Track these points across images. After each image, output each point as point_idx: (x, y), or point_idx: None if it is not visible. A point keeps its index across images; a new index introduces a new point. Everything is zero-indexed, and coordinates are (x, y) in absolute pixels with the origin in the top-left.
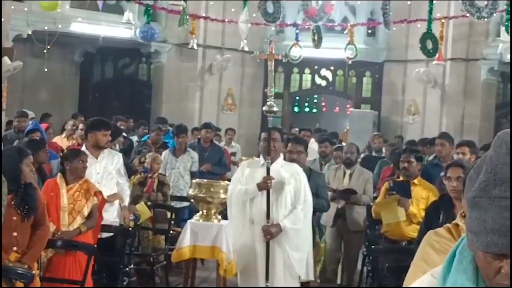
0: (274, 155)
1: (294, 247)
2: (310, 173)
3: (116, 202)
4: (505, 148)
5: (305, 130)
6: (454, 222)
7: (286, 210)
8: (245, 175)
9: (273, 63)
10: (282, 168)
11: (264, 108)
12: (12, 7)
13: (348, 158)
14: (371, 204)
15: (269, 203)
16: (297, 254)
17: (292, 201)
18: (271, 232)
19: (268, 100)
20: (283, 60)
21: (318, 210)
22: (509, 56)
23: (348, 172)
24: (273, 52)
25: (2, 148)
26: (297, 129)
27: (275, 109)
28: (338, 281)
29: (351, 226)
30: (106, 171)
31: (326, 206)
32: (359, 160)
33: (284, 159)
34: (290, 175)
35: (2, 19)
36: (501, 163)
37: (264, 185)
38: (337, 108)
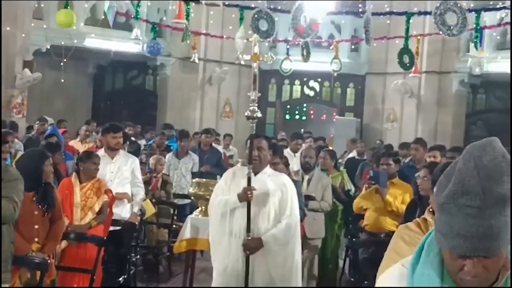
0: (261, 165)
1: (277, 264)
2: None
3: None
4: (473, 162)
5: (297, 138)
6: (422, 216)
7: (269, 224)
8: (228, 184)
9: (257, 65)
10: (269, 179)
11: (246, 113)
12: (32, 24)
13: (306, 162)
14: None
15: (249, 215)
16: (281, 272)
17: (276, 215)
18: (251, 247)
19: (251, 105)
20: (268, 62)
21: None
22: (477, 69)
23: (306, 177)
24: (258, 53)
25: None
26: (283, 133)
27: (258, 114)
28: None
29: (308, 233)
30: (119, 170)
31: (302, 216)
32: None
33: None
34: (277, 187)
35: (23, 35)
36: (469, 176)
37: (244, 196)
38: (324, 115)
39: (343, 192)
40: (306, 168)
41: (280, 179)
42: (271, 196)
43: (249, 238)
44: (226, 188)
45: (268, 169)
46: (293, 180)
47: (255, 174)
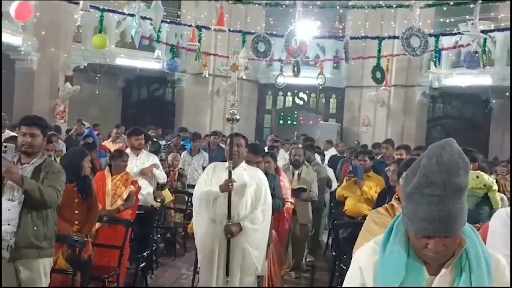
0: (238, 160)
1: (254, 245)
2: (267, 175)
3: (150, 189)
4: (435, 159)
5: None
6: (390, 203)
7: (247, 211)
8: (210, 177)
9: (236, 74)
10: (245, 172)
11: (227, 116)
12: (73, 46)
13: (296, 160)
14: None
15: (230, 204)
16: (256, 252)
17: (253, 203)
18: (231, 231)
19: (230, 108)
20: (246, 71)
21: (276, 209)
22: (436, 83)
23: (296, 172)
24: (237, 63)
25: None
26: (273, 135)
27: (237, 117)
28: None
29: (300, 219)
30: (143, 165)
31: (281, 205)
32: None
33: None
34: (252, 179)
35: (65, 55)
36: (431, 170)
37: (226, 187)
38: (311, 121)
39: None
40: (296, 164)
41: (255, 173)
42: (248, 187)
43: (230, 223)
44: (208, 181)
45: (243, 164)
46: (273, 175)
47: (233, 168)
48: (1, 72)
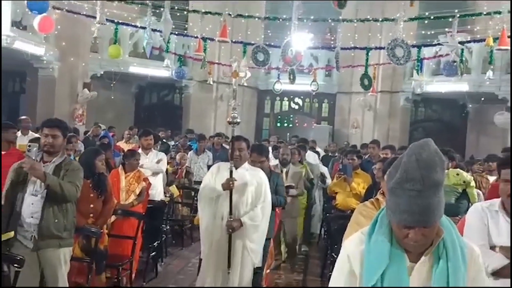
0: (241, 161)
1: (252, 240)
2: (271, 174)
3: (160, 186)
4: (414, 157)
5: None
6: (376, 197)
7: (247, 208)
8: (214, 176)
9: (236, 81)
10: (247, 172)
11: (228, 119)
12: (90, 56)
13: (284, 158)
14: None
15: (231, 201)
16: (254, 246)
17: (253, 200)
18: (232, 227)
19: (232, 112)
20: (245, 78)
21: (277, 205)
22: (419, 89)
23: (284, 170)
24: (237, 70)
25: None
26: (275, 136)
27: (238, 120)
28: (283, 258)
29: (290, 213)
30: (151, 163)
31: (283, 202)
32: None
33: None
34: (253, 178)
35: (83, 64)
36: (411, 167)
37: (227, 186)
38: (305, 124)
39: (307, 181)
40: (284, 163)
41: (256, 173)
42: (249, 186)
43: (232, 219)
44: (212, 179)
45: (246, 164)
46: (276, 173)
47: (236, 168)
48: (1, 72)
